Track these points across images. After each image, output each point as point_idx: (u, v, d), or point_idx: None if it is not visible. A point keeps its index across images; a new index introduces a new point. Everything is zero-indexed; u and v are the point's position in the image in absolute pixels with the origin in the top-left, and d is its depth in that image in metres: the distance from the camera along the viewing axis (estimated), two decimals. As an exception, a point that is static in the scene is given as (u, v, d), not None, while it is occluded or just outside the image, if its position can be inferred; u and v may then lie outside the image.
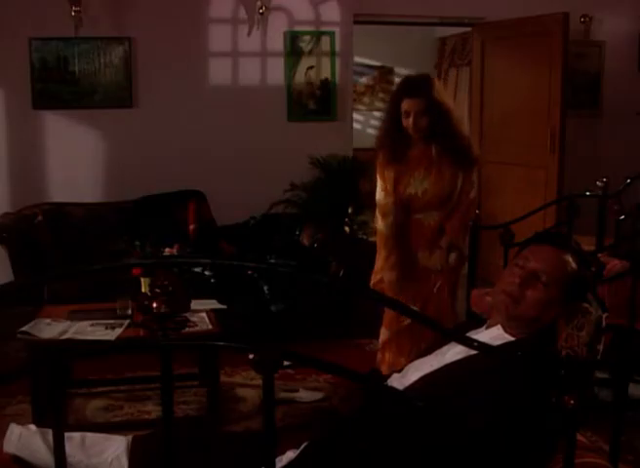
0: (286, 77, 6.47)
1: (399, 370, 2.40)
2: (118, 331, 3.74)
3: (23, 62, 5.94)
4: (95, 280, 4.78)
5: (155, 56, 6.16)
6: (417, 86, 3.90)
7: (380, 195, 4.05)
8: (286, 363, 1.47)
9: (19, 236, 5.38)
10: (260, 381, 1.40)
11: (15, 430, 2.41)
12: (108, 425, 3.90)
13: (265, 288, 5.16)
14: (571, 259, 2.22)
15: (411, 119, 3.82)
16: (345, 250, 5.59)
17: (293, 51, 6.45)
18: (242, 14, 6.32)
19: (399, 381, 2.27)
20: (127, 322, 3.85)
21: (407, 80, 4.03)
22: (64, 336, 3.68)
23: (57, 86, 6.03)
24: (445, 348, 2.26)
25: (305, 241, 5.82)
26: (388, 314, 4.08)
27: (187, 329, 3.73)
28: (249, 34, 6.34)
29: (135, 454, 2.32)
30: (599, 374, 3.54)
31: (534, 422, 1.97)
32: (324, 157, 6.35)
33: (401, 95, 3.90)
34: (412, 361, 2.43)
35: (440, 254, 3.97)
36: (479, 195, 7.04)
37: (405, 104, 3.83)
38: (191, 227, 5.94)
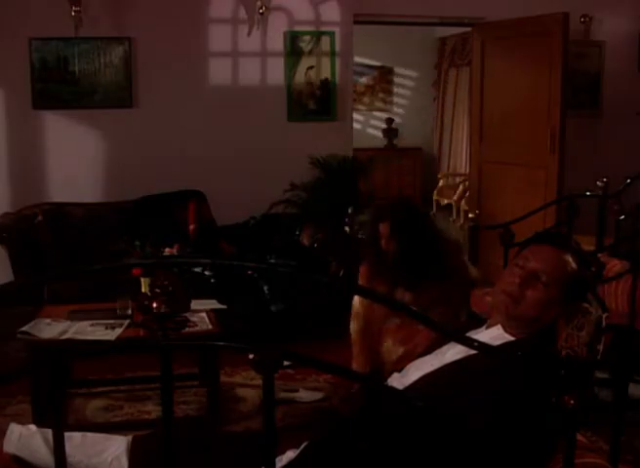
0: (286, 77, 6.47)
1: (399, 370, 2.40)
2: (118, 331, 3.74)
3: (23, 62, 5.94)
4: (95, 280, 4.78)
5: (155, 56, 6.16)
6: (386, 210, 3.92)
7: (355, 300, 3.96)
8: (286, 363, 1.47)
9: (19, 236, 5.38)
10: (259, 381, 1.40)
11: (15, 430, 2.41)
12: (108, 425, 3.90)
13: (265, 288, 5.16)
14: (571, 259, 2.22)
15: (383, 241, 3.81)
16: (345, 250, 5.59)
17: (293, 51, 6.45)
18: (242, 14, 6.33)
19: (399, 381, 2.27)
20: (127, 322, 3.85)
21: (381, 208, 4.04)
22: (64, 336, 3.68)
23: (57, 86, 6.03)
24: (445, 348, 2.26)
25: (305, 241, 5.82)
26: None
27: (187, 329, 3.73)
28: (249, 34, 6.34)
29: (135, 454, 2.32)
30: (599, 374, 3.54)
31: (534, 422, 1.97)
32: (324, 157, 6.35)
33: (377, 221, 3.89)
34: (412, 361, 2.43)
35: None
36: (477, 192, 7.07)
37: (380, 227, 3.84)
38: (191, 227, 5.94)
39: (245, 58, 6.40)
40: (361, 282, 3.95)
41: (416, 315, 1.54)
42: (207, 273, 5.10)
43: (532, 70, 6.42)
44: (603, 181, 5.00)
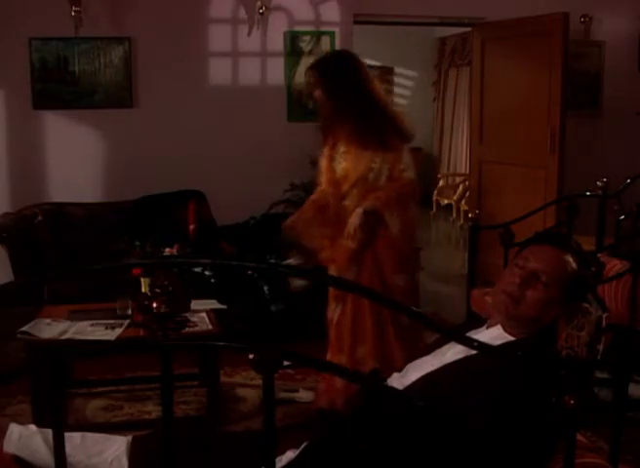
0: (286, 77, 6.47)
1: (399, 370, 2.40)
2: (118, 331, 3.74)
3: (23, 62, 5.94)
4: (95, 280, 4.78)
5: (155, 56, 6.16)
6: (316, 60, 3.99)
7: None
8: (286, 363, 1.47)
9: (19, 236, 5.38)
10: (260, 381, 1.40)
11: (15, 430, 2.40)
12: (108, 425, 3.90)
13: (265, 288, 5.16)
14: (571, 259, 2.22)
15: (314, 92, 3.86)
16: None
17: (293, 51, 6.45)
18: (242, 14, 6.33)
19: (399, 381, 2.27)
20: (127, 322, 3.85)
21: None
22: (64, 336, 3.68)
23: (57, 86, 6.03)
24: (445, 348, 2.26)
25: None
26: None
27: (187, 329, 3.73)
28: (249, 34, 6.34)
29: (135, 454, 2.32)
30: (599, 374, 3.54)
31: (534, 422, 1.97)
32: (324, 157, 6.35)
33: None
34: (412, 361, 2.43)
35: (352, 220, 3.79)
36: (477, 192, 7.07)
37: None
38: (191, 227, 5.94)
39: (245, 59, 6.40)
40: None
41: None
42: (207, 273, 5.10)
43: (532, 70, 6.42)
44: (603, 181, 4.99)
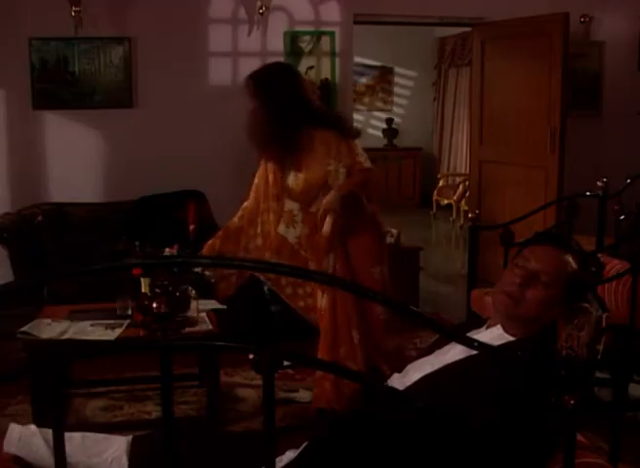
0: (286, 77, 6.46)
1: (399, 370, 2.40)
2: (118, 331, 3.74)
3: (23, 63, 5.94)
4: (95, 280, 4.78)
5: (155, 56, 6.16)
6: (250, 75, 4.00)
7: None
8: (286, 363, 1.47)
9: (19, 236, 5.38)
10: (260, 381, 1.40)
11: (15, 430, 2.41)
12: (108, 425, 3.90)
13: (265, 288, 5.15)
14: (571, 259, 2.22)
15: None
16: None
17: (293, 51, 6.45)
18: (242, 14, 6.33)
19: (400, 381, 2.27)
20: (127, 322, 3.85)
21: None
22: (64, 336, 3.68)
23: (57, 86, 6.03)
24: (445, 348, 2.26)
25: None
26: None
27: (187, 329, 3.73)
28: (249, 34, 6.34)
29: (135, 455, 2.32)
30: (599, 374, 3.55)
31: (534, 422, 1.97)
32: (324, 157, 6.34)
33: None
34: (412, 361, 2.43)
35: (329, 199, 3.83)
36: (477, 192, 7.07)
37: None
38: (191, 227, 5.92)
39: (245, 59, 6.40)
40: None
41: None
42: (207, 273, 5.10)
43: (532, 70, 6.42)
44: (603, 181, 5.00)
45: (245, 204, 4.29)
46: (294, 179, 3.92)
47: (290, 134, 3.84)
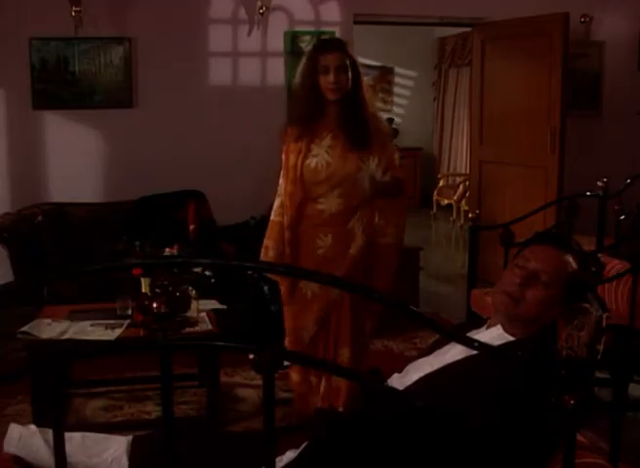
0: (286, 77, 6.47)
1: (400, 370, 2.40)
2: (118, 331, 3.74)
3: (24, 63, 5.94)
4: (95, 280, 4.78)
5: (155, 56, 6.16)
6: (334, 42, 3.73)
7: (282, 180, 3.76)
8: (286, 363, 1.47)
9: (19, 236, 5.38)
10: (260, 381, 1.40)
11: (15, 430, 2.40)
12: (108, 425, 3.90)
13: (265, 288, 5.16)
14: (571, 259, 2.22)
15: (331, 75, 3.46)
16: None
17: (293, 51, 6.45)
18: (242, 14, 6.33)
19: (399, 381, 2.27)
20: (127, 322, 3.84)
21: (322, 39, 3.90)
22: (64, 336, 3.68)
23: (57, 86, 6.03)
24: (445, 348, 2.26)
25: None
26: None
27: (187, 329, 3.73)
28: (249, 34, 6.34)
29: (135, 455, 2.32)
30: (599, 374, 3.54)
31: (534, 422, 1.97)
32: (324, 157, 6.34)
33: (318, 51, 3.57)
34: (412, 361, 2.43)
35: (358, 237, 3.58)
36: (477, 192, 7.07)
37: (324, 59, 3.49)
38: (191, 227, 5.93)
39: (245, 59, 6.40)
40: (286, 150, 3.72)
41: (412, 313, 1.53)
42: (207, 273, 5.10)
43: (532, 70, 6.42)
44: (603, 181, 5.00)
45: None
46: (318, 164, 3.58)
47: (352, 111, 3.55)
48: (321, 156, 3.56)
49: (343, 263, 3.58)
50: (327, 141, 3.57)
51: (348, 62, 3.51)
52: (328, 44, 3.64)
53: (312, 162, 3.57)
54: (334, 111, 3.56)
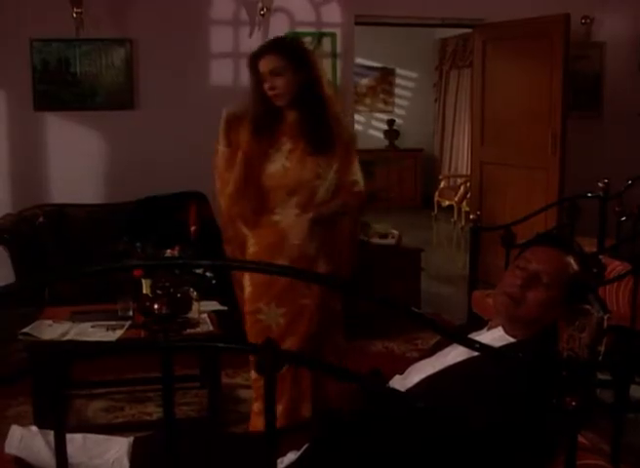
0: (287, 78, 6.46)
1: (401, 372, 2.40)
2: (119, 332, 3.74)
3: (25, 64, 5.94)
4: (96, 281, 4.78)
5: (156, 57, 6.16)
6: (268, 44, 3.37)
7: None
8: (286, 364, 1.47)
9: (20, 237, 5.37)
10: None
11: (16, 431, 2.41)
12: (110, 426, 3.90)
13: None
14: (572, 261, 2.22)
15: (267, 82, 3.24)
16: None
17: (294, 52, 6.44)
18: (243, 15, 6.33)
19: (401, 383, 2.27)
20: (128, 323, 3.85)
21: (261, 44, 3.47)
22: (66, 338, 3.68)
23: (58, 87, 6.04)
24: (447, 350, 2.26)
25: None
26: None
27: (188, 330, 3.73)
28: (250, 36, 6.34)
29: (136, 456, 2.32)
30: (600, 376, 3.55)
31: (535, 423, 1.97)
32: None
33: (254, 58, 3.32)
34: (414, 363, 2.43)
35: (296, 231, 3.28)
36: (478, 193, 7.06)
37: (259, 66, 3.27)
38: (192, 228, 5.93)
39: (246, 60, 6.39)
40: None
41: (413, 314, 1.53)
42: (208, 274, 5.09)
43: (533, 71, 6.42)
44: (604, 183, 5.00)
45: None
46: (274, 168, 3.34)
47: (307, 111, 3.30)
48: (279, 162, 3.31)
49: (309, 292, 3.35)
50: (287, 146, 3.33)
51: (287, 63, 3.23)
52: (261, 48, 3.36)
53: (271, 167, 3.32)
54: (291, 116, 3.33)
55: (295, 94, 3.25)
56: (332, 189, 3.33)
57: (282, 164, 3.31)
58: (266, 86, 3.26)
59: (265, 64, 3.25)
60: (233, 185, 3.36)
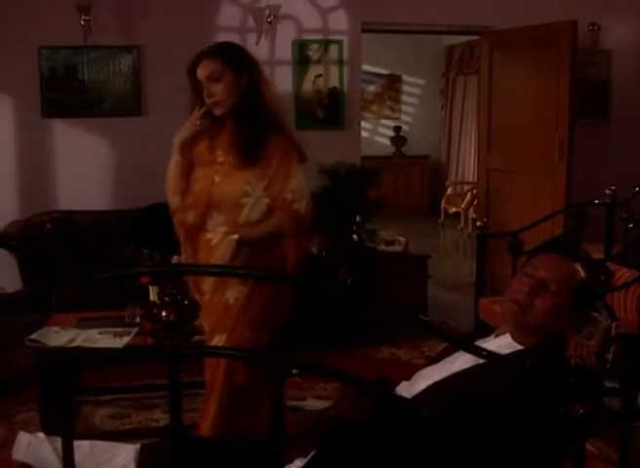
0: (294, 86, 6.48)
1: (408, 379, 2.40)
2: (126, 339, 3.74)
3: (33, 71, 5.97)
4: (103, 288, 4.79)
5: (164, 64, 6.17)
6: (206, 49, 3.13)
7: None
8: (294, 370, 1.47)
9: (28, 244, 5.39)
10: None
11: (23, 438, 2.41)
12: (117, 433, 3.90)
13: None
14: (580, 268, 2.21)
15: (205, 89, 3.07)
16: (353, 258, 5.58)
17: (301, 59, 6.46)
18: (250, 22, 6.35)
19: (407, 389, 2.27)
20: (135, 330, 3.85)
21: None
22: (73, 344, 3.68)
23: (66, 94, 6.06)
24: (454, 356, 2.26)
25: (314, 249, 5.82)
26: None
27: (196, 337, 3.73)
28: (257, 43, 6.35)
29: (143, 462, 2.32)
30: (608, 383, 3.53)
31: (542, 431, 1.96)
32: (332, 165, 6.34)
33: (193, 64, 3.11)
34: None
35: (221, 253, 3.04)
36: (485, 200, 7.06)
37: (197, 73, 3.09)
38: (199, 235, 5.93)
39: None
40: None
41: (419, 322, 1.53)
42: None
43: (540, 78, 6.42)
44: (611, 189, 4.99)
45: None
46: (207, 181, 3.23)
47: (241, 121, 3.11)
48: (209, 177, 3.18)
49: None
50: (220, 160, 3.17)
51: (226, 67, 3.04)
52: (199, 53, 3.12)
53: (200, 182, 3.22)
54: (228, 126, 3.14)
55: (234, 102, 3.06)
56: (262, 208, 3.09)
57: (211, 179, 3.15)
58: (205, 93, 3.08)
59: (203, 70, 3.05)
60: (180, 196, 3.36)
